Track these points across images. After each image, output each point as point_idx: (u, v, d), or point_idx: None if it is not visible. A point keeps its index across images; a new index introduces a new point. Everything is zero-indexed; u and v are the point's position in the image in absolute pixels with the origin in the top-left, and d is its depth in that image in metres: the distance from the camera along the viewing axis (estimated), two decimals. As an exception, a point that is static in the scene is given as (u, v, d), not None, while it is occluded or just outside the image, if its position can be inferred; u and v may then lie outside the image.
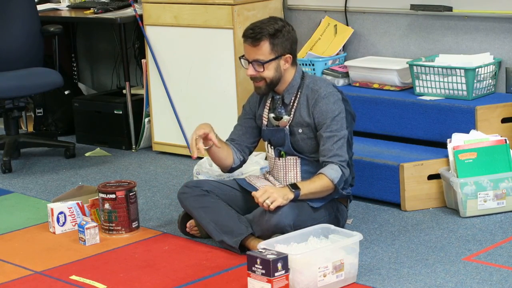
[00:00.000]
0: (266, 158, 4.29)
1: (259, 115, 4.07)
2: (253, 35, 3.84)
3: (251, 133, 4.12)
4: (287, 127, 3.96)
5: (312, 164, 3.97)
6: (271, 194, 3.71)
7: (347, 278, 3.54)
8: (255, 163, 4.58)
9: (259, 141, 4.18)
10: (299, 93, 3.95)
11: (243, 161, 4.13)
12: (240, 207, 4.04)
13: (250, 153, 4.17)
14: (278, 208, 3.73)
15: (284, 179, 4.03)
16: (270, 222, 3.74)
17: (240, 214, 3.99)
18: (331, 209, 3.96)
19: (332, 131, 3.86)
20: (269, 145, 4.07)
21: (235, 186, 4.10)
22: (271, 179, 4.09)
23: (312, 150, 3.96)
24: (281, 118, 3.97)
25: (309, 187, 3.79)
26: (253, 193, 3.76)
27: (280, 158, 4.02)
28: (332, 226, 3.70)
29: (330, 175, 3.81)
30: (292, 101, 3.96)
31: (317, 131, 3.91)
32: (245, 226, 3.89)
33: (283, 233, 3.70)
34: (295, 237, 3.63)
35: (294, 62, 3.95)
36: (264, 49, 3.85)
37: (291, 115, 3.95)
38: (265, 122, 4.05)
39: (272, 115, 4.00)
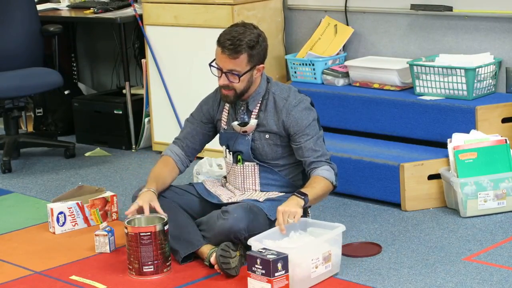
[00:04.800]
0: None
1: (217, 119, 3.98)
2: (232, 47, 3.70)
3: (201, 138, 4.01)
4: (251, 133, 3.88)
5: (271, 171, 3.91)
6: (289, 212, 3.61)
7: (333, 269, 3.62)
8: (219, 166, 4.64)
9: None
10: (264, 99, 3.88)
11: (187, 167, 4.04)
12: (196, 212, 3.93)
13: (194, 157, 4.06)
14: (233, 212, 3.68)
15: (242, 186, 3.96)
16: (224, 226, 3.66)
17: (194, 219, 3.90)
18: None
19: (310, 134, 3.82)
20: (227, 150, 3.98)
21: (192, 191, 4.00)
22: (230, 187, 4.01)
23: (276, 156, 3.90)
24: (247, 123, 3.88)
25: (313, 192, 3.73)
26: (277, 222, 3.63)
27: (238, 164, 3.95)
28: (310, 220, 3.73)
29: (328, 177, 3.78)
30: (256, 107, 3.88)
31: (290, 139, 3.85)
32: (199, 236, 3.82)
33: (236, 238, 3.65)
34: (274, 233, 3.62)
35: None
36: (242, 61, 3.74)
37: (257, 121, 3.87)
38: (224, 126, 3.96)
39: (236, 122, 3.89)
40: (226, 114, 3.96)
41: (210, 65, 3.82)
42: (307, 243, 3.57)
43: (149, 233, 3.62)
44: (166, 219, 3.68)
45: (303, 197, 3.67)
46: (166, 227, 3.67)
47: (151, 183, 3.87)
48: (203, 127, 4.01)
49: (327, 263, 3.57)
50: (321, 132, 3.88)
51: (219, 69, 3.78)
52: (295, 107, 3.83)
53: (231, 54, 3.72)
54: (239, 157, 3.94)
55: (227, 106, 3.95)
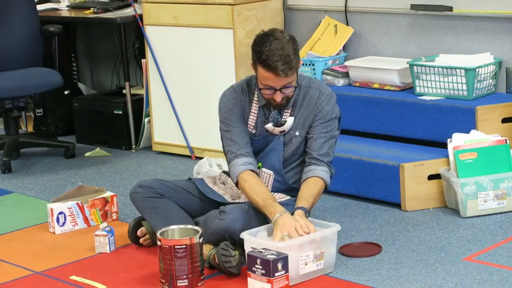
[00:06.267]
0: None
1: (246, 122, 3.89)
2: (285, 66, 3.60)
3: (249, 138, 3.89)
4: (283, 134, 3.83)
5: (283, 181, 3.88)
6: (303, 225, 3.57)
7: (326, 267, 3.62)
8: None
9: None
10: (295, 95, 3.82)
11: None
12: (195, 211, 3.91)
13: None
14: (229, 212, 3.67)
15: None
16: (220, 226, 3.66)
17: (193, 218, 3.88)
18: None
19: (328, 131, 3.83)
20: None
21: (192, 190, 3.95)
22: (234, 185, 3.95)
23: (302, 152, 3.88)
24: (284, 123, 3.81)
25: (312, 201, 3.73)
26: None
27: None
28: (309, 219, 3.71)
29: (325, 179, 3.78)
30: (290, 105, 3.83)
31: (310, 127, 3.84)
32: None
33: (231, 238, 3.65)
34: (270, 228, 3.64)
35: None
36: (294, 74, 3.69)
37: (293, 118, 3.82)
38: (252, 131, 3.86)
39: (270, 124, 3.82)
40: (255, 118, 3.86)
41: (260, 89, 3.73)
42: (296, 240, 3.55)
43: (184, 246, 3.44)
44: (200, 231, 3.54)
45: (307, 215, 3.66)
46: (201, 240, 3.50)
47: (274, 203, 3.67)
48: (245, 127, 3.87)
49: (319, 261, 3.58)
50: (337, 133, 3.87)
51: (272, 88, 3.70)
52: (328, 98, 3.83)
53: (286, 74, 3.64)
54: (259, 164, 3.87)
55: (254, 109, 3.87)
